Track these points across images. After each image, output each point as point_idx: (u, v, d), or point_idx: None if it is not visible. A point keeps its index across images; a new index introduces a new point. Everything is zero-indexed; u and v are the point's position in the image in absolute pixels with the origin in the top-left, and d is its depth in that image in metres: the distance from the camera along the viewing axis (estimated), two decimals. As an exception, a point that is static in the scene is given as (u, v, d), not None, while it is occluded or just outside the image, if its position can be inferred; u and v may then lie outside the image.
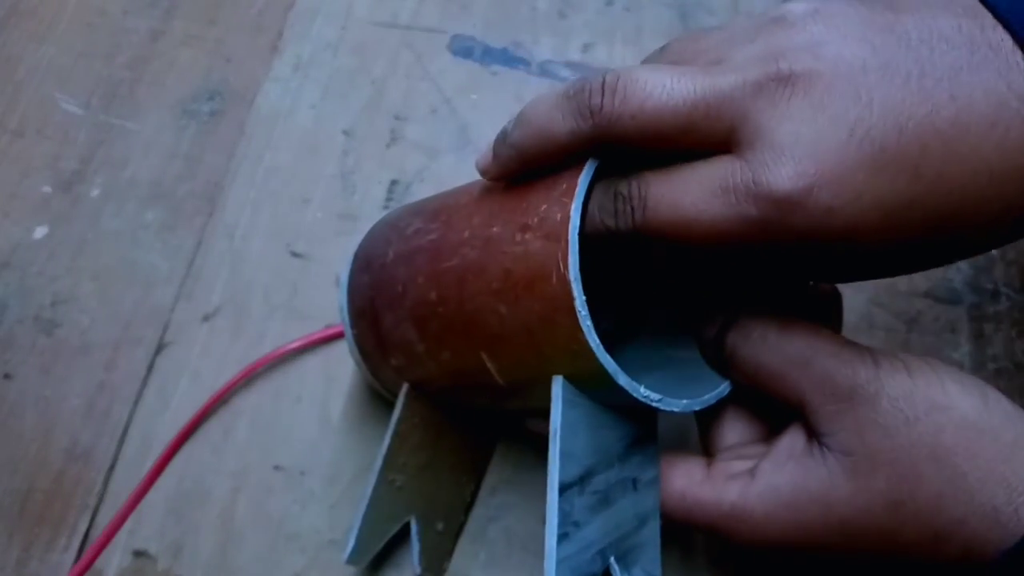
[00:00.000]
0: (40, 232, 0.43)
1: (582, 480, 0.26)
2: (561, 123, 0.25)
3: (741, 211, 0.23)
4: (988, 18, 0.23)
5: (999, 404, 0.24)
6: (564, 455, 0.25)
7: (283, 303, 0.41)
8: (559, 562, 0.24)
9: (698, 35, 0.26)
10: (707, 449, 0.30)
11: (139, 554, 0.36)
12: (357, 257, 0.34)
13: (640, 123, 0.24)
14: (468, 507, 0.37)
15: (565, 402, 0.25)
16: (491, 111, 0.46)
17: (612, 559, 0.27)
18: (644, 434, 0.29)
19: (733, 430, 0.29)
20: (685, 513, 0.28)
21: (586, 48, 0.48)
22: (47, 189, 0.44)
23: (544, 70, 0.47)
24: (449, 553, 0.36)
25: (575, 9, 0.49)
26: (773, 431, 0.28)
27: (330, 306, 0.41)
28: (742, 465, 0.27)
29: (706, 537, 0.28)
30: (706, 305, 0.29)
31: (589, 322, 0.24)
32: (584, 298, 0.24)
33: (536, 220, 0.25)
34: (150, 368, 0.40)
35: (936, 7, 0.23)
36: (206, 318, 0.41)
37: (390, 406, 0.33)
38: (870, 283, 0.40)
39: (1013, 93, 0.22)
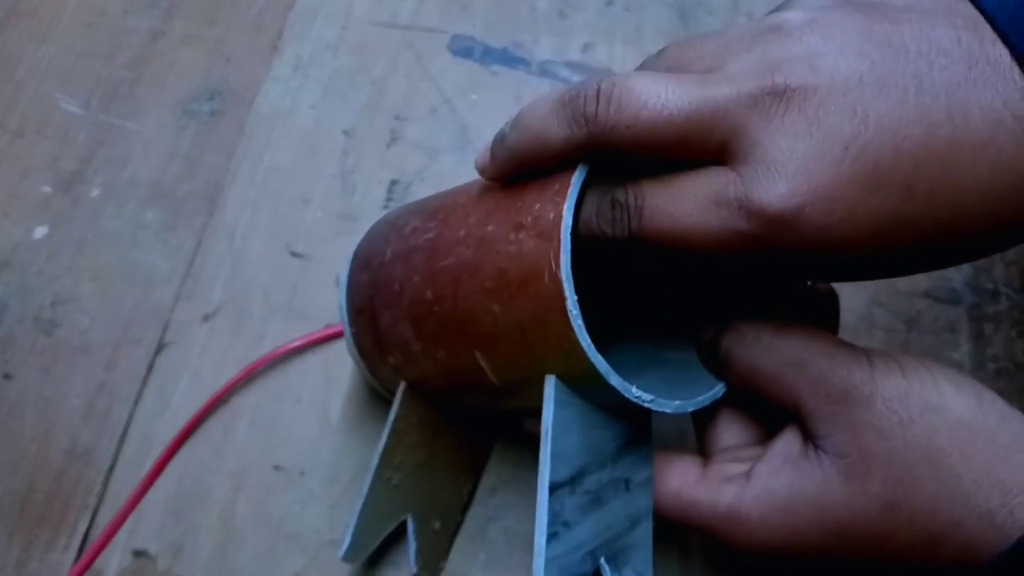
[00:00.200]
0: (40, 232, 0.43)
1: (573, 480, 0.26)
2: (556, 129, 0.25)
3: (734, 225, 0.23)
4: (988, 31, 0.22)
5: (994, 405, 0.24)
6: (555, 455, 0.25)
7: (283, 303, 0.41)
8: (548, 562, 0.25)
9: (694, 41, 0.26)
10: (703, 451, 0.29)
11: (139, 554, 0.36)
12: (356, 256, 0.34)
13: (635, 133, 0.24)
14: (465, 507, 0.37)
15: (557, 402, 0.26)
16: (491, 111, 0.46)
17: (602, 560, 0.27)
18: (637, 435, 0.29)
19: (729, 432, 0.29)
20: (680, 513, 0.28)
21: (586, 48, 0.48)
22: (47, 189, 0.44)
23: (544, 70, 0.47)
24: (446, 552, 0.36)
25: (575, 9, 0.49)
26: (769, 434, 0.28)
27: (330, 306, 0.41)
28: (738, 468, 0.27)
29: (702, 537, 0.28)
30: (702, 307, 0.29)
31: (581, 322, 0.24)
32: (576, 298, 0.24)
33: (530, 219, 0.25)
34: (150, 368, 0.40)
35: (936, 17, 0.23)
36: (206, 318, 0.41)
37: (389, 406, 0.33)
38: (870, 283, 0.41)
39: (1009, 111, 0.22)
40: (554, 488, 0.25)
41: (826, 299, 0.30)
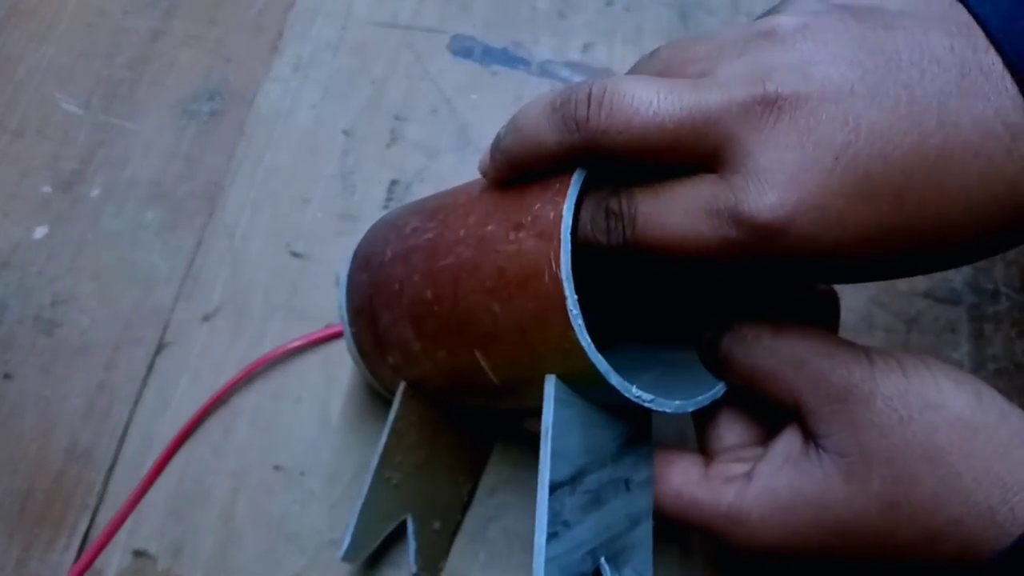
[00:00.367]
0: (40, 232, 0.43)
1: (573, 480, 0.26)
2: (549, 133, 0.25)
3: (724, 234, 0.23)
4: (981, 38, 0.22)
5: (993, 402, 0.24)
6: (555, 454, 0.25)
7: (283, 303, 0.41)
8: (548, 561, 0.25)
9: (687, 43, 0.26)
10: (704, 451, 0.30)
11: (139, 554, 0.36)
12: (356, 256, 0.34)
13: (627, 139, 0.24)
14: (465, 506, 0.37)
15: (557, 401, 0.26)
16: (491, 111, 0.46)
17: (603, 559, 0.27)
18: (638, 434, 0.29)
19: (730, 432, 0.29)
20: (681, 512, 0.28)
21: (586, 48, 0.48)
22: (47, 189, 0.44)
23: (544, 70, 0.47)
24: (445, 552, 0.36)
25: (575, 9, 0.49)
26: (770, 433, 0.28)
27: (330, 306, 0.41)
28: (739, 467, 0.27)
29: (703, 536, 0.28)
30: (702, 307, 0.29)
31: (581, 321, 0.24)
32: (576, 297, 0.24)
33: (529, 219, 0.25)
34: (150, 368, 0.40)
35: (929, 23, 0.23)
36: (206, 318, 0.41)
37: (389, 406, 0.33)
38: (869, 283, 0.41)
39: (1000, 120, 0.22)
40: (554, 488, 0.25)
41: (826, 299, 0.30)
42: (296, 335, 0.40)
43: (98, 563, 0.36)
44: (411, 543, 0.33)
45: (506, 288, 0.26)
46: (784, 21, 0.24)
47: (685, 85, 0.24)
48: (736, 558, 0.27)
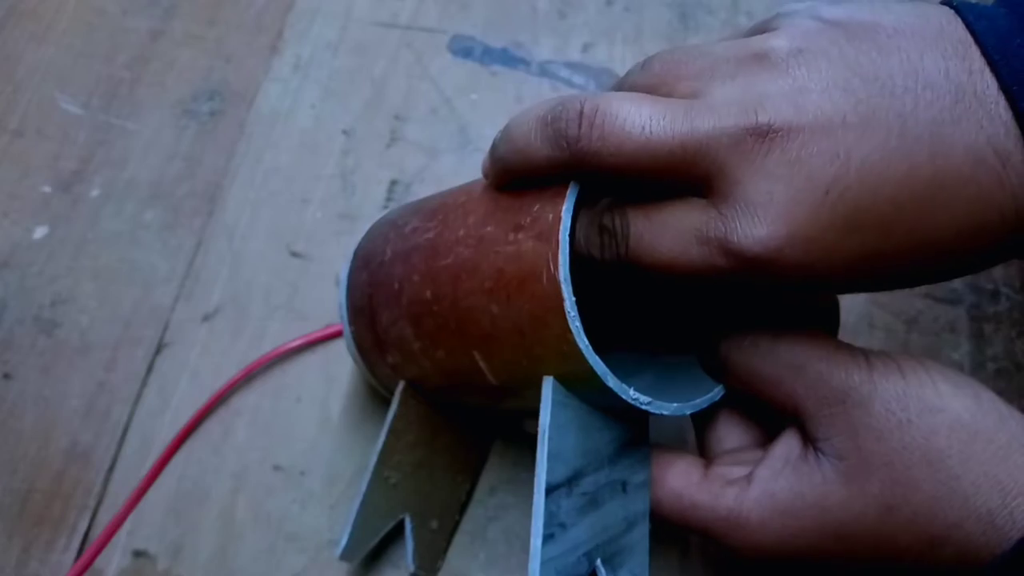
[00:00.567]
0: (40, 232, 0.43)
1: (570, 481, 0.26)
2: (540, 148, 0.25)
3: (714, 261, 0.23)
4: (976, 58, 0.22)
5: (992, 405, 0.24)
6: (552, 456, 0.25)
7: (283, 303, 0.41)
8: (544, 563, 0.24)
9: (680, 56, 0.25)
10: (703, 453, 0.29)
11: (139, 554, 0.36)
12: (357, 255, 0.34)
13: (618, 161, 0.24)
14: (463, 506, 0.37)
15: (555, 403, 0.25)
16: (491, 111, 0.46)
17: (599, 561, 0.27)
18: (635, 436, 0.29)
19: (730, 435, 0.29)
20: (680, 515, 0.28)
21: (586, 48, 0.48)
22: (47, 189, 0.44)
23: (544, 70, 0.47)
24: (443, 552, 0.36)
25: (575, 9, 0.49)
26: (770, 436, 0.28)
27: (330, 306, 0.41)
28: (739, 471, 0.27)
29: (702, 538, 0.28)
30: (701, 310, 0.29)
31: (579, 323, 0.24)
32: (574, 299, 0.24)
33: (528, 220, 0.25)
34: (150, 368, 0.40)
35: (925, 43, 0.23)
36: (206, 318, 0.41)
37: (389, 406, 0.33)
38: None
39: (991, 148, 0.22)
40: (551, 489, 0.25)
41: (825, 303, 0.30)
42: (296, 335, 0.40)
43: (98, 563, 0.36)
44: (409, 542, 0.33)
45: (504, 289, 0.26)
46: (778, 45, 0.24)
47: (678, 109, 0.23)
48: (735, 561, 0.27)
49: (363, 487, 0.31)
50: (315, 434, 0.39)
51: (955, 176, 0.22)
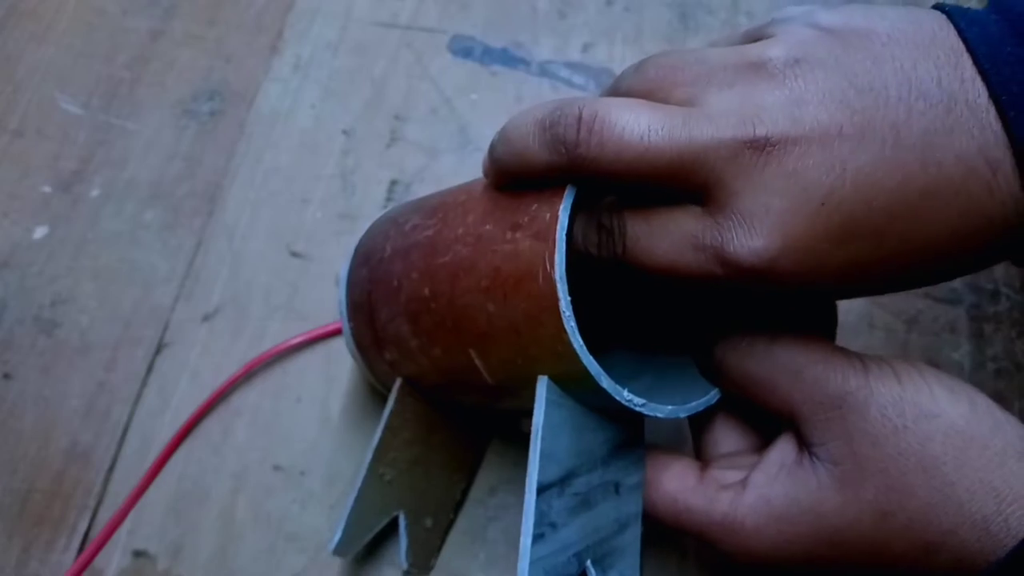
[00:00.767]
0: (40, 232, 0.43)
1: (562, 481, 0.26)
2: (538, 152, 0.25)
3: (709, 268, 0.24)
4: (968, 67, 0.22)
5: (988, 411, 0.24)
6: (545, 455, 0.25)
7: (283, 303, 0.41)
8: (533, 562, 0.24)
9: (675, 61, 0.25)
10: (700, 456, 0.29)
11: (139, 554, 0.36)
12: (357, 251, 0.34)
13: (615, 169, 0.24)
14: (458, 505, 0.37)
15: (549, 403, 0.25)
16: (491, 111, 0.46)
17: (589, 562, 0.27)
18: (630, 438, 0.29)
19: (726, 439, 0.29)
20: (674, 517, 0.28)
21: (586, 48, 0.48)
22: (47, 189, 0.44)
23: (544, 70, 0.47)
24: (437, 550, 0.36)
25: (575, 9, 0.49)
26: (767, 441, 0.28)
27: (330, 306, 0.41)
28: (734, 475, 0.27)
29: (698, 542, 0.28)
30: (698, 313, 0.29)
31: (573, 323, 0.24)
32: (569, 299, 0.24)
33: (526, 219, 0.25)
34: (150, 368, 0.40)
35: (919, 51, 0.23)
36: (206, 318, 0.41)
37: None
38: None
39: (982, 157, 0.22)
40: (542, 489, 0.25)
41: (822, 307, 0.30)
42: (296, 335, 0.40)
43: (98, 563, 0.36)
44: (402, 539, 0.33)
45: (501, 288, 0.26)
46: (775, 54, 0.24)
47: (676, 118, 0.24)
48: (733, 566, 0.27)
49: (358, 483, 0.31)
50: (315, 434, 0.39)
51: (947, 185, 0.22)
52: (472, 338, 0.27)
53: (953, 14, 0.23)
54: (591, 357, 0.24)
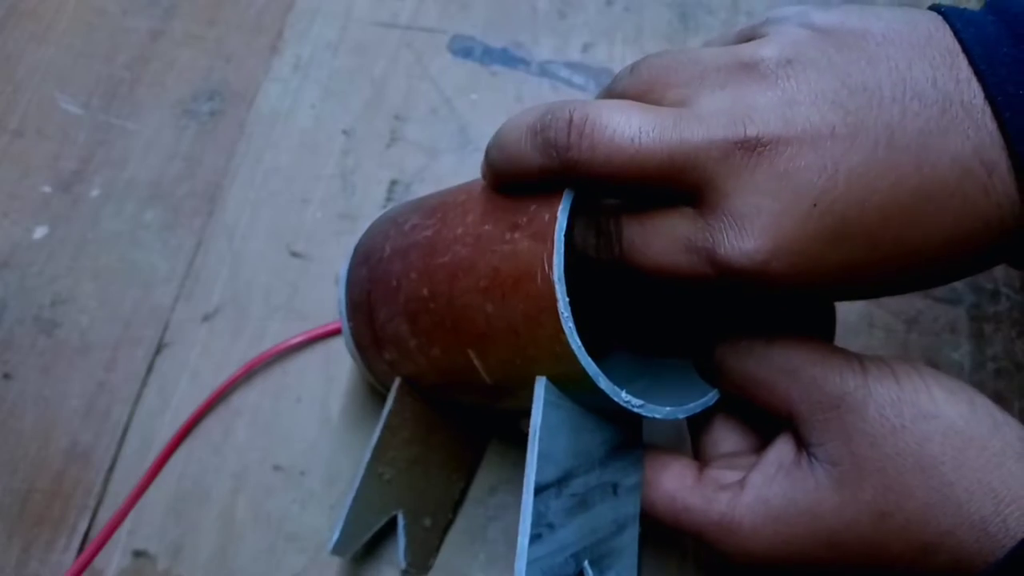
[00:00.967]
0: (40, 232, 0.43)
1: (560, 482, 0.26)
2: (530, 155, 0.25)
3: (702, 269, 0.24)
4: (964, 67, 0.22)
5: (987, 411, 0.24)
6: (543, 456, 0.25)
7: (283, 303, 0.41)
8: (530, 563, 0.24)
9: (668, 62, 0.25)
10: (699, 457, 0.29)
11: (139, 554, 0.36)
12: (357, 251, 0.34)
13: (607, 171, 0.24)
14: (457, 505, 0.37)
15: (547, 403, 0.25)
16: (491, 111, 0.46)
17: (586, 563, 0.27)
18: (628, 439, 0.29)
19: (725, 439, 0.29)
20: (673, 517, 0.27)
21: (586, 48, 0.48)
22: (47, 189, 0.44)
23: (544, 70, 0.47)
24: (435, 550, 0.36)
25: (575, 9, 0.49)
26: (765, 441, 0.28)
27: (330, 306, 0.41)
28: (733, 476, 0.27)
29: (697, 542, 0.28)
30: (697, 315, 0.29)
31: (571, 324, 0.24)
32: (567, 300, 0.24)
33: (525, 220, 0.25)
34: (150, 368, 0.40)
35: (914, 51, 0.23)
36: (206, 318, 0.41)
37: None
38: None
39: (978, 158, 0.22)
40: (540, 489, 0.25)
41: (821, 308, 0.30)
42: (296, 335, 0.40)
43: (98, 563, 0.36)
44: (400, 539, 0.33)
45: (500, 288, 0.26)
46: (767, 55, 0.24)
47: (667, 119, 0.23)
48: (732, 567, 0.27)
49: (356, 482, 0.32)
50: (315, 434, 0.39)
51: (941, 186, 0.22)
52: (470, 338, 0.27)
53: (949, 15, 0.23)
54: (589, 358, 0.24)
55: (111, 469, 0.38)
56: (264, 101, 0.46)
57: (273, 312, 0.41)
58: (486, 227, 0.27)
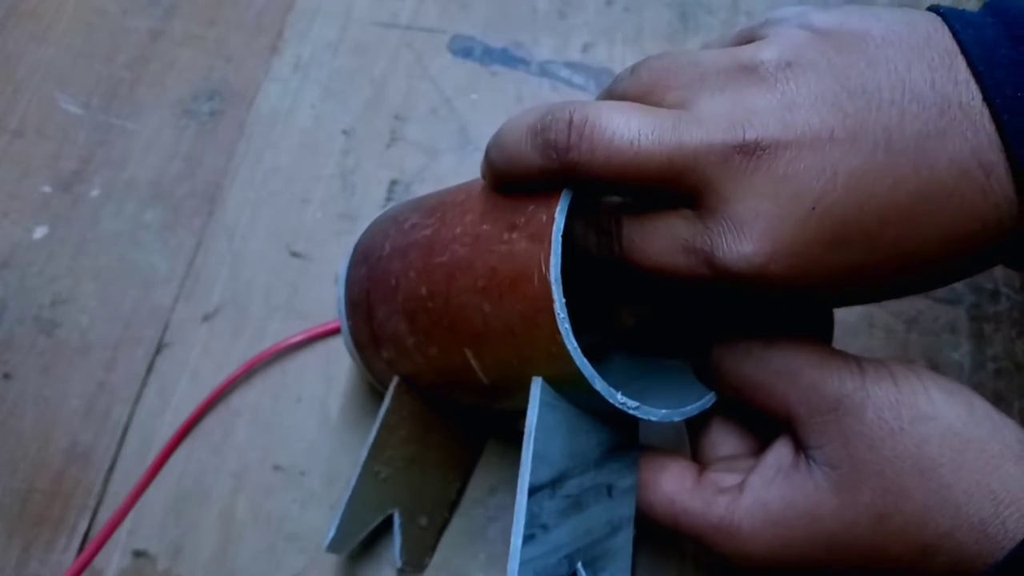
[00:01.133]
0: (40, 232, 0.43)
1: (554, 483, 0.26)
2: (531, 156, 0.25)
3: (700, 271, 0.24)
4: (962, 69, 0.22)
5: (986, 413, 0.24)
6: (537, 457, 0.25)
7: (283, 303, 0.41)
8: (523, 563, 0.24)
9: (668, 64, 0.25)
10: (697, 459, 0.29)
11: (139, 554, 0.36)
12: (357, 249, 0.34)
13: (607, 173, 0.24)
14: (453, 504, 0.37)
15: (543, 404, 0.25)
16: (491, 111, 0.46)
17: (580, 564, 0.27)
18: (624, 441, 0.28)
19: (724, 442, 0.29)
20: (671, 519, 0.27)
21: (586, 48, 0.48)
22: (47, 189, 0.44)
23: (544, 70, 0.47)
24: (431, 549, 0.36)
25: (575, 9, 0.49)
26: (765, 444, 0.28)
27: (330, 306, 0.41)
28: (731, 478, 0.27)
29: (696, 544, 0.28)
30: (695, 317, 0.29)
31: (568, 325, 0.24)
32: (564, 301, 0.24)
33: (523, 220, 0.25)
34: (150, 368, 0.40)
35: (913, 53, 0.23)
36: (206, 318, 0.41)
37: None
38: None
39: (976, 160, 0.22)
40: (534, 490, 0.25)
41: (820, 311, 0.30)
42: (295, 334, 0.40)
43: (98, 563, 0.36)
44: (396, 537, 0.33)
45: (497, 288, 0.26)
46: (767, 57, 0.24)
47: (666, 122, 0.23)
48: (732, 570, 0.27)
49: (353, 480, 0.32)
50: (315, 434, 0.39)
51: (939, 188, 0.22)
52: (467, 338, 0.27)
53: (948, 16, 0.23)
54: (585, 359, 0.24)
55: (111, 469, 0.38)
56: (264, 101, 0.46)
57: (273, 312, 0.41)
58: (484, 227, 0.27)
